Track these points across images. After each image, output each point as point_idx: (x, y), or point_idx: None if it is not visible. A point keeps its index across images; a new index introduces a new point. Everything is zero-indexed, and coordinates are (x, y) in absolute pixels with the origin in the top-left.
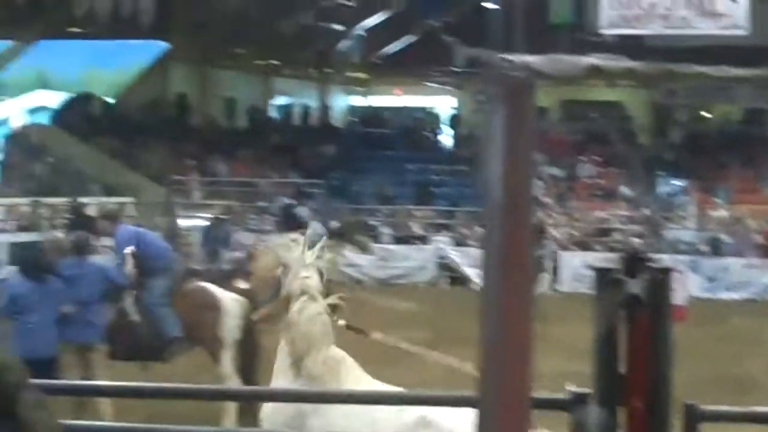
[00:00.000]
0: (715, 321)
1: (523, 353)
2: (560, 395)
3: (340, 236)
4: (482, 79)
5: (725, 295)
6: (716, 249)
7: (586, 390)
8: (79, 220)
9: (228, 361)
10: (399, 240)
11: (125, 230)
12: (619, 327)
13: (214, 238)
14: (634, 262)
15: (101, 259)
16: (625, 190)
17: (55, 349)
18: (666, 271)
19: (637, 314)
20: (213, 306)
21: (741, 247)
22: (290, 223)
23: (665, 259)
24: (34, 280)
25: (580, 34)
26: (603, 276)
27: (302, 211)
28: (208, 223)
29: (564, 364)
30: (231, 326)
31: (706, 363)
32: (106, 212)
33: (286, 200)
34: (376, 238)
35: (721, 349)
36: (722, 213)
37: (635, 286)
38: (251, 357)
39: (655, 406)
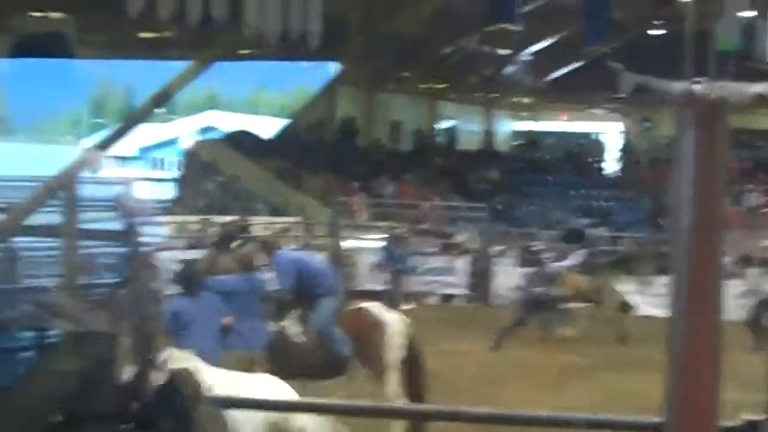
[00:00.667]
0: None
1: (710, 377)
2: (734, 422)
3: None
4: (674, 102)
5: None
6: None
7: (761, 417)
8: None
9: (394, 381)
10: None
11: (284, 257)
12: None
13: (392, 258)
14: None
15: (266, 276)
16: None
17: (218, 362)
18: None
19: None
20: (377, 326)
21: None
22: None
23: None
24: (192, 296)
25: (747, 61)
26: None
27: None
28: (386, 243)
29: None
30: (395, 346)
31: None
32: (263, 242)
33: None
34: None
35: None
36: None
37: None
38: (417, 376)
39: None
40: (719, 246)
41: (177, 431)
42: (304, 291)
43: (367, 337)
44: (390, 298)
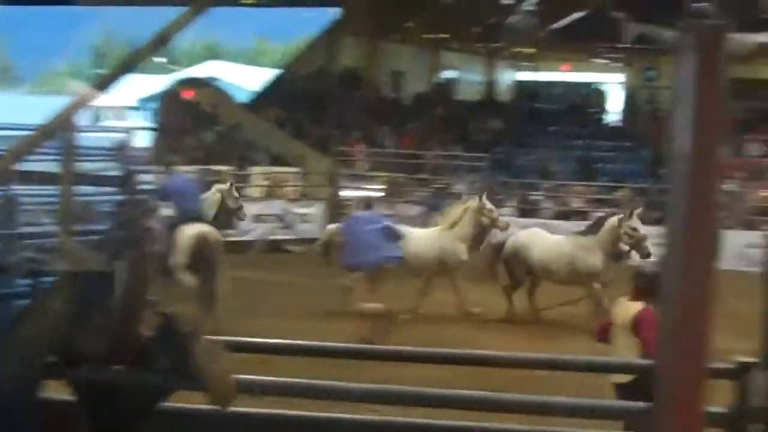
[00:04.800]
0: None
1: (702, 318)
2: (728, 365)
3: None
4: (676, 28)
5: None
6: None
7: (754, 359)
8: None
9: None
10: (559, 215)
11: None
12: None
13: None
14: None
15: None
16: None
17: None
18: None
19: None
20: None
21: None
22: None
23: None
24: None
25: (753, 12)
26: None
27: None
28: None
29: (727, 340)
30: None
31: None
32: None
33: None
34: (538, 213)
35: None
36: None
37: None
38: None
39: None
40: (717, 171)
41: (174, 371)
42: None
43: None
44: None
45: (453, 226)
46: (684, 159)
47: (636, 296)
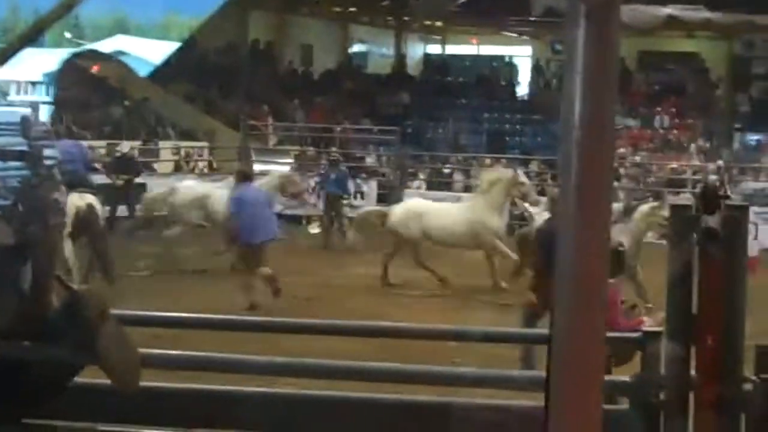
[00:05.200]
0: None
1: (597, 289)
2: (635, 334)
3: None
4: None
5: None
6: None
7: (660, 328)
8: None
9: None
10: (470, 188)
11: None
12: (694, 265)
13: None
14: (711, 200)
15: None
16: (699, 142)
17: None
18: (742, 209)
19: (711, 251)
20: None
21: None
22: None
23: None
24: None
25: None
26: (679, 213)
27: None
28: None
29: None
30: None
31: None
32: None
33: None
34: (449, 186)
35: None
36: None
37: (712, 222)
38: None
39: (726, 344)
40: (611, 142)
41: (79, 350)
42: None
43: None
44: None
45: (484, 195)
46: (576, 129)
47: None
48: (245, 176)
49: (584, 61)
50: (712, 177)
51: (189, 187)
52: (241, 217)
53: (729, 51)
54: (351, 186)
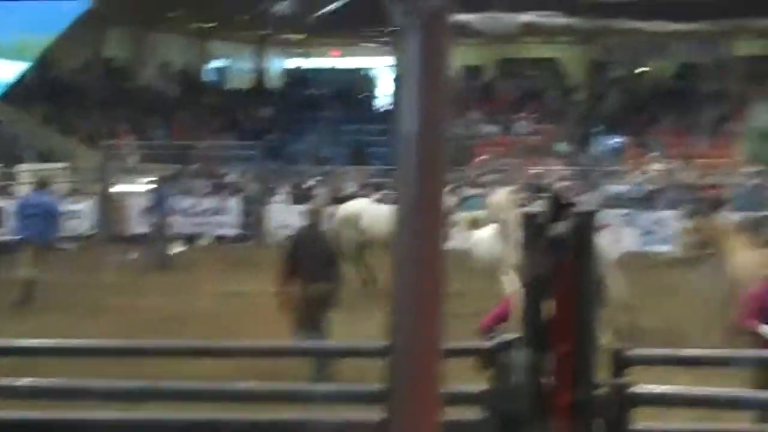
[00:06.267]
0: (650, 274)
1: (434, 299)
2: (490, 342)
3: None
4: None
5: (660, 248)
6: (651, 203)
7: (515, 335)
8: None
9: None
10: (334, 200)
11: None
12: (547, 272)
13: (162, 201)
14: (559, 207)
15: None
16: (560, 146)
17: None
18: (590, 215)
19: (562, 258)
20: None
21: (675, 200)
22: None
23: (601, 214)
24: None
25: None
26: (529, 221)
27: None
28: (156, 185)
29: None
30: None
31: (639, 315)
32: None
33: None
34: (311, 199)
35: (655, 301)
36: (657, 167)
37: (560, 229)
38: None
39: (580, 349)
40: (444, 150)
41: None
42: None
43: None
44: (158, 241)
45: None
46: (411, 139)
47: None
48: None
49: (417, 71)
50: (562, 183)
51: None
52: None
53: (586, 56)
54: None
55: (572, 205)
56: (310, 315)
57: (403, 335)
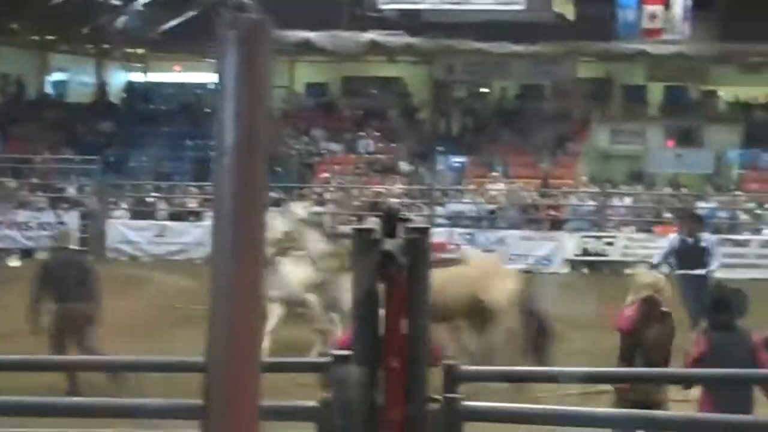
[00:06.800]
0: None
1: (252, 315)
2: (322, 358)
3: None
4: (217, 23)
5: None
6: (493, 222)
7: (347, 352)
8: None
9: None
10: (175, 216)
11: None
12: (378, 288)
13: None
14: (392, 223)
15: None
16: (403, 165)
17: None
18: (424, 231)
19: (393, 274)
20: None
21: (517, 219)
22: None
23: (443, 232)
24: None
25: (359, 9)
26: (361, 237)
27: None
28: None
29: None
30: None
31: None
32: None
33: None
34: (153, 215)
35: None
36: (499, 186)
37: (391, 245)
38: None
39: (411, 365)
40: (264, 163)
41: None
42: None
43: None
44: None
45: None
46: (229, 154)
47: None
48: None
49: (236, 87)
50: (403, 201)
51: None
52: None
53: (430, 75)
54: None
55: (406, 220)
56: (70, 334)
57: (220, 350)
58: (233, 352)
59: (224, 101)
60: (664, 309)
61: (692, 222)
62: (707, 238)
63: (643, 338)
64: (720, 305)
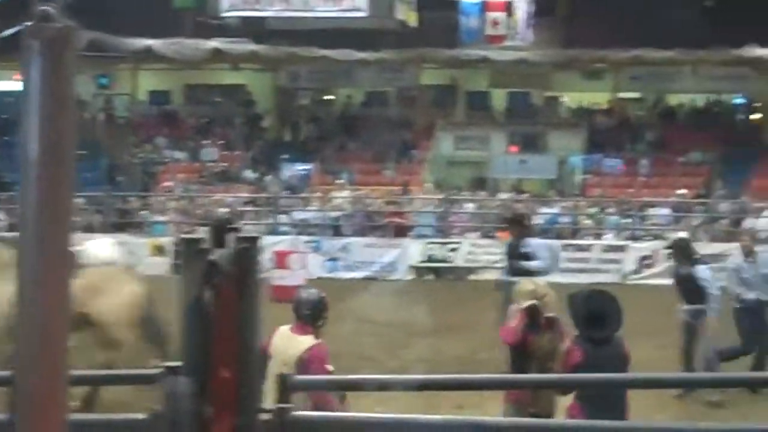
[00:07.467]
0: (335, 300)
1: (61, 328)
2: (152, 370)
3: None
4: (21, 32)
5: (346, 275)
6: (338, 229)
7: (178, 363)
8: None
9: None
10: (14, 227)
11: None
12: (207, 298)
13: None
14: (221, 232)
15: None
16: (248, 173)
17: None
18: (253, 240)
19: (220, 284)
20: None
21: (362, 227)
22: None
23: (288, 240)
24: None
25: (202, 17)
26: (189, 246)
27: None
28: None
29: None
30: None
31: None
32: None
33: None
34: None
35: (340, 327)
36: (345, 194)
37: (218, 255)
38: None
39: (243, 376)
40: (71, 176)
41: None
42: None
43: None
44: None
45: None
46: (34, 165)
47: (303, 329)
48: None
49: (41, 96)
50: (245, 209)
51: None
52: None
53: (274, 83)
54: None
55: (236, 230)
56: None
57: (27, 363)
58: (41, 363)
59: (29, 112)
60: (549, 315)
61: (518, 226)
62: (531, 242)
63: (536, 348)
64: (596, 318)
